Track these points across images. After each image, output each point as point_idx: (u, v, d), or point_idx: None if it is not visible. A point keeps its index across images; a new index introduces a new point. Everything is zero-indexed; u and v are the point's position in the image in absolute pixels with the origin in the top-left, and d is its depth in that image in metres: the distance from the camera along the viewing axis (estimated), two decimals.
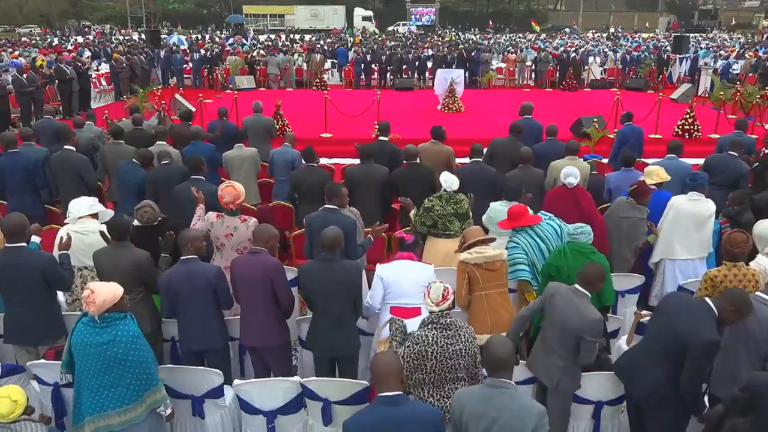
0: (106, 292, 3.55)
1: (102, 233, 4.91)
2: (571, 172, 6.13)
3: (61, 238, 4.76)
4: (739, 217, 5.98)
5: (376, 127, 8.22)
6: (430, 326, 3.64)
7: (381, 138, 7.94)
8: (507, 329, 4.27)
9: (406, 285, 4.55)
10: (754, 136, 9.70)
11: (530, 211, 5.42)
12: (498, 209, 5.82)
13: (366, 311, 4.68)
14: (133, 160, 6.97)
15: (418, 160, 7.14)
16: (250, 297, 4.44)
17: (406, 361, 3.59)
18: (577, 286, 4.04)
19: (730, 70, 22.07)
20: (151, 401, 3.68)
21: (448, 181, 5.89)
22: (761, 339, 3.82)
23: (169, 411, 3.79)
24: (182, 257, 4.42)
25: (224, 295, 4.43)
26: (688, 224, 5.79)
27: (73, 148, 7.40)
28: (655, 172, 6.43)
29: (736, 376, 3.80)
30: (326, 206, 5.45)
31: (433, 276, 4.57)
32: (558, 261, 4.80)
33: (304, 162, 7.19)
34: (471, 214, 5.92)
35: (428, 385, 3.64)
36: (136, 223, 5.21)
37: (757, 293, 3.99)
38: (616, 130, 11.49)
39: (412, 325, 4.04)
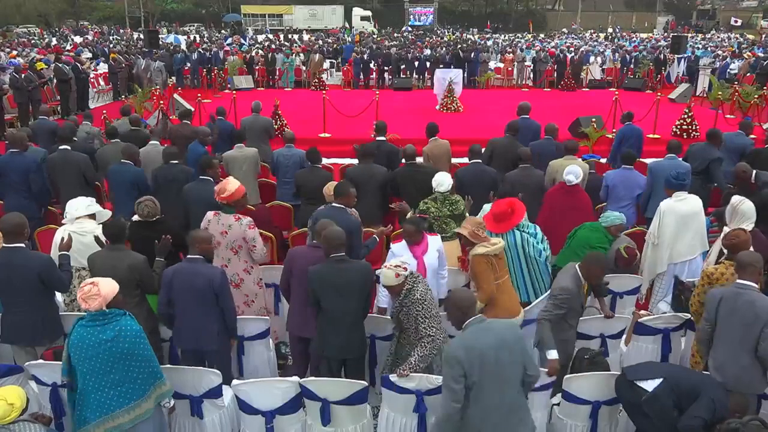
0: (107, 284, 3.58)
1: (96, 238, 4.88)
2: (573, 170, 6.17)
3: (62, 239, 4.74)
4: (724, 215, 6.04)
5: (375, 127, 8.20)
6: (418, 284, 4.22)
7: (378, 138, 7.94)
8: (518, 312, 4.82)
9: None
10: (753, 136, 9.73)
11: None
12: None
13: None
14: (122, 160, 6.95)
15: (417, 160, 7.15)
16: (306, 289, 4.50)
17: (427, 317, 4.17)
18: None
19: (728, 70, 22.08)
20: (157, 395, 3.70)
21: (438, 180, 5.89)
22: (750, 323, 3.88)
23: (171, 404, 3.81)
24: (188, 256, 4.44)
25: (226, 299, 4.39)
26: (683, 224, 5.77)
27: (68, 147, 7.38)
28: None
29: (731, 364, 3.96)
30: (333, 204, 5.45)
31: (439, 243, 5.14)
32: (573, 232, 5.49)
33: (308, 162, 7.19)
34: (468, 215, 5.92)
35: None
36: (135, 218, 5.21)
37: (737, 281, 4.03)
38: (614, 130, 11.52)
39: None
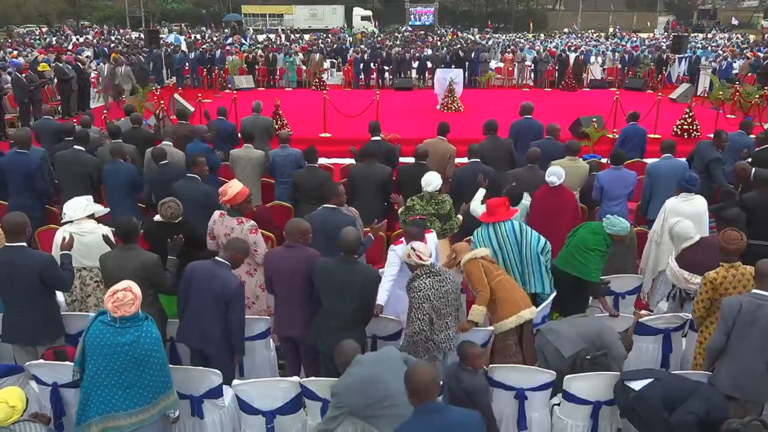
0: (136, 286, 3.60)
1: (105, 237, 4.86)
2: (555, 171, 6.16)
3: (63, 238, 4.73)
4: (722, 212, 6.11)
5: (369, 128, 8.19)
6: (424, 276, 4.35)
7: (374, 138, 7.93)
8: (530, 303, 4.79)
9: None
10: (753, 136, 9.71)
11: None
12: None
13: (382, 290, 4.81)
14: (112, 159, 6.95)
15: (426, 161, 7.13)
16: (288, 289, 4.54)
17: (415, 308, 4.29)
18: None
19: (730, 70, 22.06)
20: (164, 405, 3.71)
21: (426, 179, 5.92)
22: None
23: (176, 414, 3.82)
24: (217, 257, 4.42)
25: (234, 311, 4.33)
26: None
27: (83, 149, 7.34)
28: None
29: (749, 374, 3.95)
30: (325, 205, 5.44)
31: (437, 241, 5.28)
32: (574, 231, 5.37)
33: (305, 162, 7.17)
34: (454, 215, 5.93)
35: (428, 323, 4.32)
36: (157, 218, 5.21)
37: (754, 290, 4.01)
38: (615, 130, 11.52)
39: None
